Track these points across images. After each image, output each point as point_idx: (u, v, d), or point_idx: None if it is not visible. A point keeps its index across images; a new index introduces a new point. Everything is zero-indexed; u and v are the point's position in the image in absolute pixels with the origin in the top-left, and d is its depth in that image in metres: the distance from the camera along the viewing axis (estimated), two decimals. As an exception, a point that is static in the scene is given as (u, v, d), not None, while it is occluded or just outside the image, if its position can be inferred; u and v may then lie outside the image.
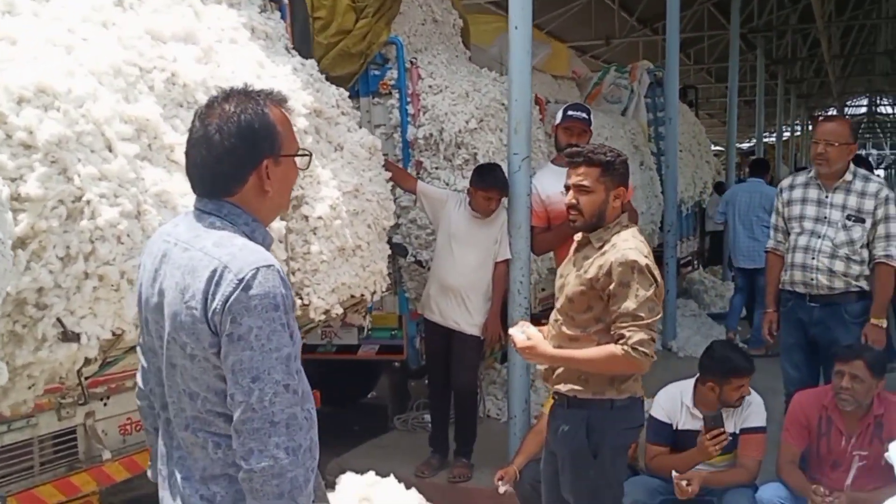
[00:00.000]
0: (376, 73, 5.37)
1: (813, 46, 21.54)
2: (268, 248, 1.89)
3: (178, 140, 3.16)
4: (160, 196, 3.01)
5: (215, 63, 3.57)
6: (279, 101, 1.92)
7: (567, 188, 3.16)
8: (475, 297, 4.77)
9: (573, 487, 3.12)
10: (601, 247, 3.04)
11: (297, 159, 1.95)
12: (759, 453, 3.97)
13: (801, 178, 4.69)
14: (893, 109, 40.28)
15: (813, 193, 4.55)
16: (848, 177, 4.46)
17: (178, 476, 1.89)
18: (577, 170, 3.11)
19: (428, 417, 5.63)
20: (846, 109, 34.22)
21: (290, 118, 1.96)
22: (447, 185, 5.24)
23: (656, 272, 2.95)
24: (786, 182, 4.77)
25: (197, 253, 1.79)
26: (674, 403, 4.07)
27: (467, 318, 4.78)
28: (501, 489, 4.05)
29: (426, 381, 5.79)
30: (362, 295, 4.22)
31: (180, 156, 3.12)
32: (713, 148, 14.02)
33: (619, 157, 3.11)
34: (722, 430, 3.78)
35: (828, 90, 27.60)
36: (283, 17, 4.49)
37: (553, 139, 4.86)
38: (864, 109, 37.13)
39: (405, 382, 6.22)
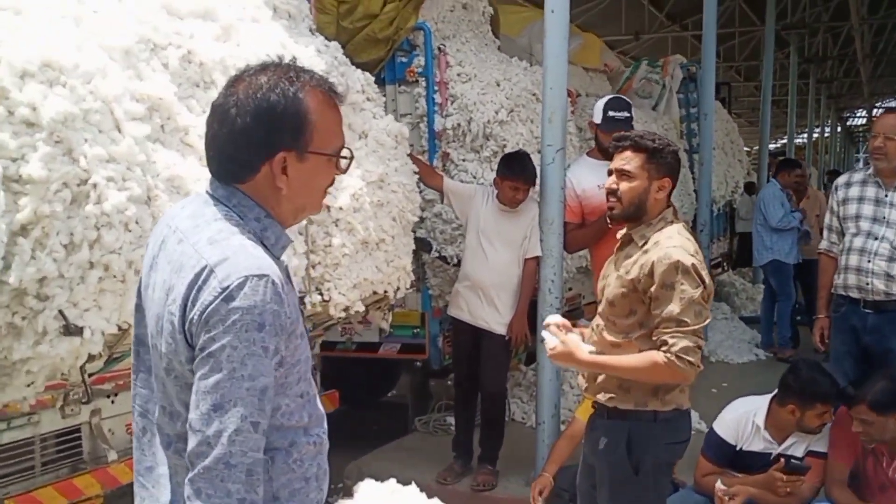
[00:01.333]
0: (403, 59, 5.16)
1: (844, 46, 21.19)
2: (280, 250, 1.64)
3: (192, 122, 2.98)
4: (172, 181, 2.82)
5: (235, 42, 3.38)
6: (326, 87, 1.62)
7: (609, 173, 2.92)
8: (505, 295, 4.56)
9: (612, 504, 2.87)
10: (644, 245, 2.79)
11: (338, 159, 1.65)
12: (819, 480, 3.69)
13: (858, 175, 4.43)
14: (923, 112, 39.56)
15: (871, 192, 4.28)
16: None
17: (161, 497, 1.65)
18: (623, 154, 2.87)
19: (450, 420, 5.41)
20: (875, 111, 33.68)
21: (339, 109, 1.66)
22: (475, 177, 5.03)
23: (704, 272, 2.70)
24: (842, 179, 4.51)
25: (189, 248, 1.53)
26: (743, 423, 3.79)
27: (497, 317, 4.57)
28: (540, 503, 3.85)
29: (448, 382, 5.59)
30: (385, 292, 4.01)
31: (195, 139, 2.96)
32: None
33: (669, 147, 2.87)
34: (802, 478, 3.51)
35: (858, 91, 27.19)
36: (307, -3, 4.31)
37: (594, 136, 4.60)
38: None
39: (426, 382, 6.02)
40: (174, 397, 1.55)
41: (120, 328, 2.67)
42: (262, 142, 1.56)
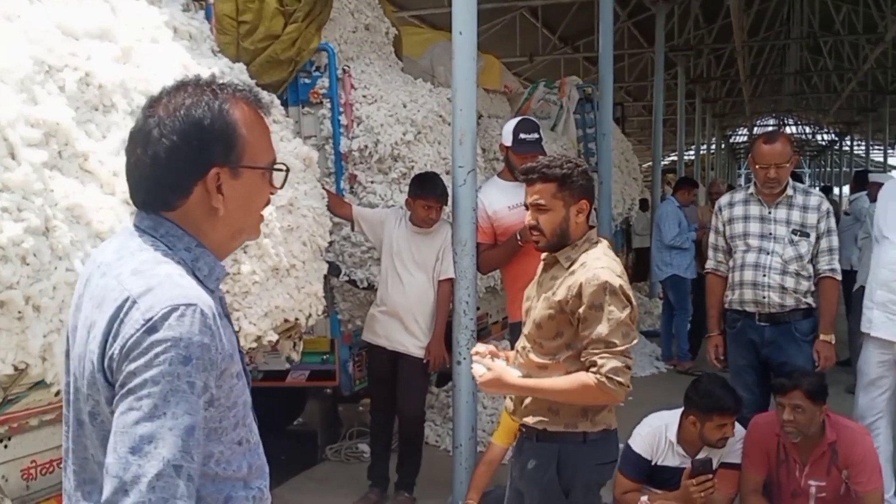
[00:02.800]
0: (306, 81, 5.06)
1: (727, 66, 22.14)
2: (215, 282, 1.52)
3: (92, 147, 2.82)
4: (72, 210, 2.65)
5: (135, 63, 3.22)
6: (251, 99, 1.53)
7: (527, 207, 2.91)
8: (422, 318, 4.52)
9: (540, 529, 2.84)
10: (570, 266, 2.79)
11: (272, 174, 1.55)
12: (734, 490, 3.78)
13: (739, 194, 4.55)
14: (798, 129, 41.86)
15: (755, 210, 4.41)
16: (789, 191, 4.36)
17: None
18: (533, 187, 2.86)
19: (363, 447, 5.31)
20: (755, 129, 35.31)
21: (266, 121, 1.56)
22: (383, 199, 4.97)
23: (630, 293, 2.72)
24: (724, 200, 4.61)
25: (111, 281, 1.41)
26: (657, 438, 3.84)
27: (414, 340, 4.52)
28: None
29: (360, 408, 5.48)
30: (297, 319, 3.89)
31: (95, 165, 2.81)
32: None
33: (578, 168, 2.86)
34: (711, 477, 3.56)
35: (740, 109, 28.43)
36: (207, 18, 4.18)
37: (504, 158, 4.61)
38: (770, 129, 38.41)
39: (336, 409, 5.89)
40: (100, 447, 1.40)
41: (17, 368, 2.49)
42: (192, 160, 1.45)
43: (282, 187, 1.59)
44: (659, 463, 3.81)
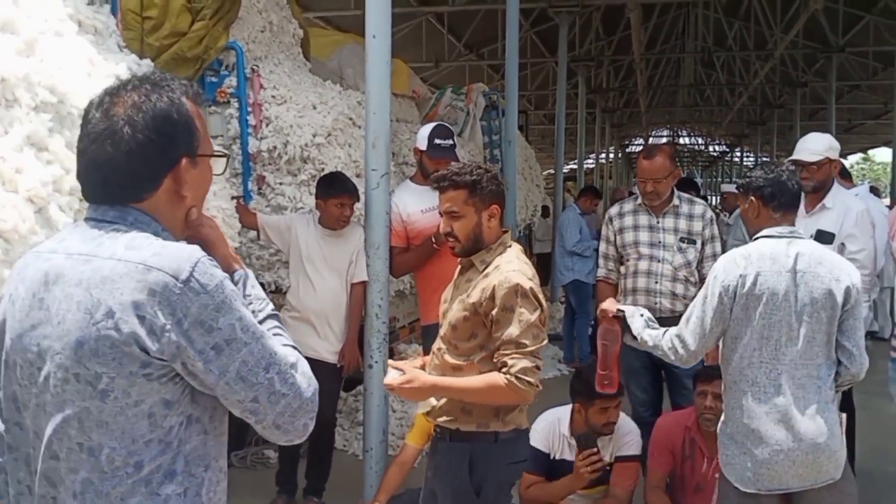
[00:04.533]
0: (213, 79, 4.95)
1: (625, 78, 22.80)
2: None
3: (-6, 143, 2.70)
4: (-26, 208, 2.53)
5: (39, 57, 3.11)
6: (194, 94, 1.64)
7: (441, 214, 2.95)
8: (335, 322, 4.50)
9: (453, 528, 2.87)
10: (484, 269, 2.85)
11: (213, 162, 1.68)
12: (632, 482, 3.89)
13: (628, 205, 4.69)
14: (690, 140, 43.43)
15: (644, 219, 4.56)
16: (675, 201, 4.52)
17: None
18: (446, 194, 2.92)
19: (269, 452, 5.23)
20: (650, 140, 36.46)
21: (203, 116, 1.68)
22: (292, 200, 4.92)
23: (541, 296, 2.79)
24: (614, 210, 4.74)
25: (105, 262, 1.47)
26: (551, 432, 3.95)
27: (327, 345, 4.49)
28: None
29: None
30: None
31: (-2, 161, 2.69)
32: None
33: (488, 174, 2.92)
34: (595, 450, 3.67)
35: (636, 120, 29.28)
36: (113, 12, 4.07)
37: (418, 162, 4.62)
38: (664, 140, 39.70)
39: (239, 414, 5.77)
40: (106, 424, 1.46)
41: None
42: (166, 153, 1.56)
43: (222, 173, 1.73)
44: (557, 457, 3.92)
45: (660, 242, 4.49)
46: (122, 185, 1.54)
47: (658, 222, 4.52)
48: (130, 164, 1.53)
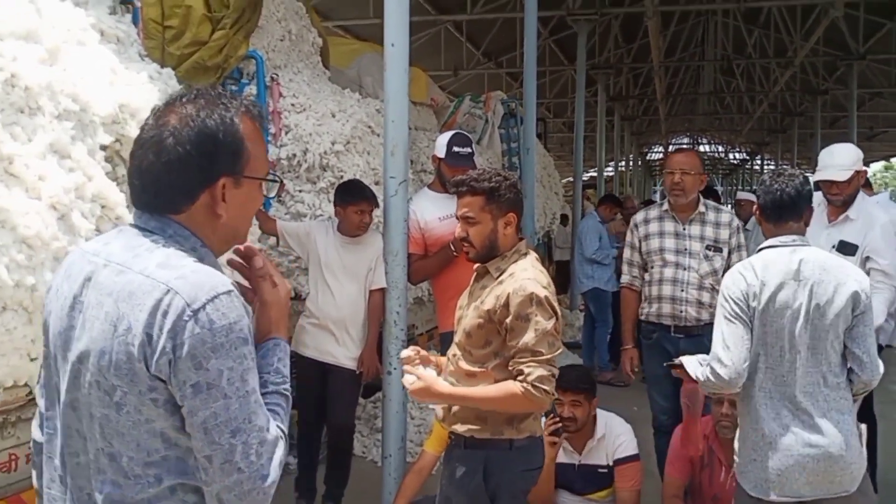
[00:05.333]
0: (233, 88, 4.99)
1: (644, 85, 22.74)
2: None
3: (17, 150, 2.74)
4: (-3, 214, 2.57)
5: (62, 66, 3.16)
6: (255, 115, 1.63)
7: (458, 219, 2.97)
8: (354, 329, 4.52)
9: (469, 535, 2.87)
10: (499, 276, 2.86)
11: (264, 184, 1.67)
12: (637, 482, 3.88)
13: (654, 212, 4.66)
14: (711, 148, 43.16)
15: (669, 226, 4.53)
16: (702, 208, 4.49)
17: None
18: (463, 199, 2.94)
19: (288, 458, 5.22)
20: (670, 147, 36.29)
21: (262, 135, 1.67)
22: (311, 208, 4.95)
23: (556, 304, 2.79)
24: (639, 216, 4.71)
25: (136, 276, 1.48)
26: None
27: (346, 351, 4.51)
28: None
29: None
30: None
31: (21, 168, 2.74)
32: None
33: (506, 181, 2.93)
34: (555, 419, 3.75)
35: (656, 127, 29.18)
36: (134, 22, 4.11)
37: (436, 170, 4.64)
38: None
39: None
40: (122, 435, 1.47)
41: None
42: (204, 169, 1.55)
43: (273, 196, 1.67)
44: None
45: (686, 250, 4.46)
46: (157, 193, 1.55)
47: (684, 229, 4.49)
48: (168, 175, 1.53)
